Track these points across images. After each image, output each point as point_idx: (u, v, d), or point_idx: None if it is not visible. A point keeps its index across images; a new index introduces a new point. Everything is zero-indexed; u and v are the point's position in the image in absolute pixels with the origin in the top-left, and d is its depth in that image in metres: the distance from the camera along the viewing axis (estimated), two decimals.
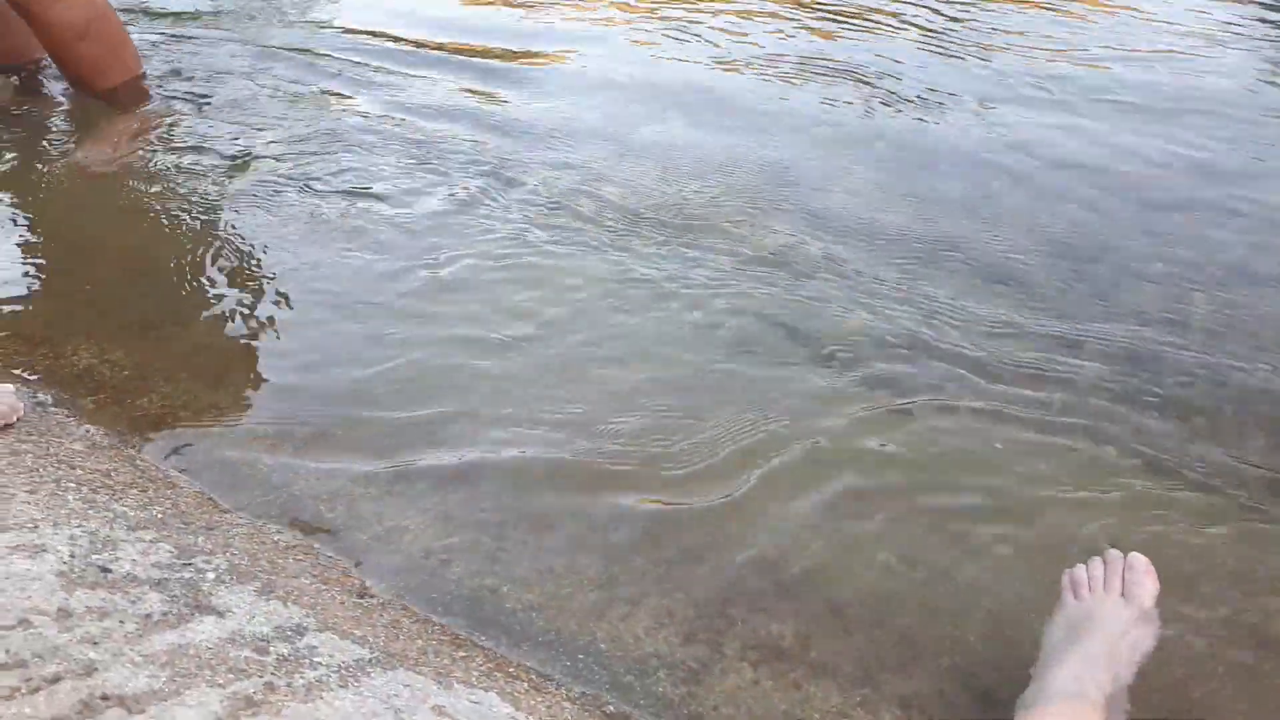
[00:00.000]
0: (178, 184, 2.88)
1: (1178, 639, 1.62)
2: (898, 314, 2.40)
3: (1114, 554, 1.62)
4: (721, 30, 4.18)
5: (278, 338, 2.28)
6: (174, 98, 3.41)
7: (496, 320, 2.37)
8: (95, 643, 1.28)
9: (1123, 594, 1.55)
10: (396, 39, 4.04)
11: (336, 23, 4.20)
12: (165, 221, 2.71)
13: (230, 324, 2.33)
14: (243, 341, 2.27)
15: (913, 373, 2.22)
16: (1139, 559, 1.58)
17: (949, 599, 1.72)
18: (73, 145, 3.09)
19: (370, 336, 2.29)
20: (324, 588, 1.60)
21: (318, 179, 2.93)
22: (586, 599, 1.69)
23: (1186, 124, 3.20)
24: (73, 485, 1.70)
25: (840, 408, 2.12)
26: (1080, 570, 1.62)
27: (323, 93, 3.52)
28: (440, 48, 3.97)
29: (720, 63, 3.85)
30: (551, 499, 1.88)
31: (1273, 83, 3.62)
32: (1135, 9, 4.36)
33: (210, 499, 1.82)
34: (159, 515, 1.68)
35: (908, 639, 1.65)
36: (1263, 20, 4.14)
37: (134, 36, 3.59)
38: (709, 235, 2.71)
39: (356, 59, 3.82)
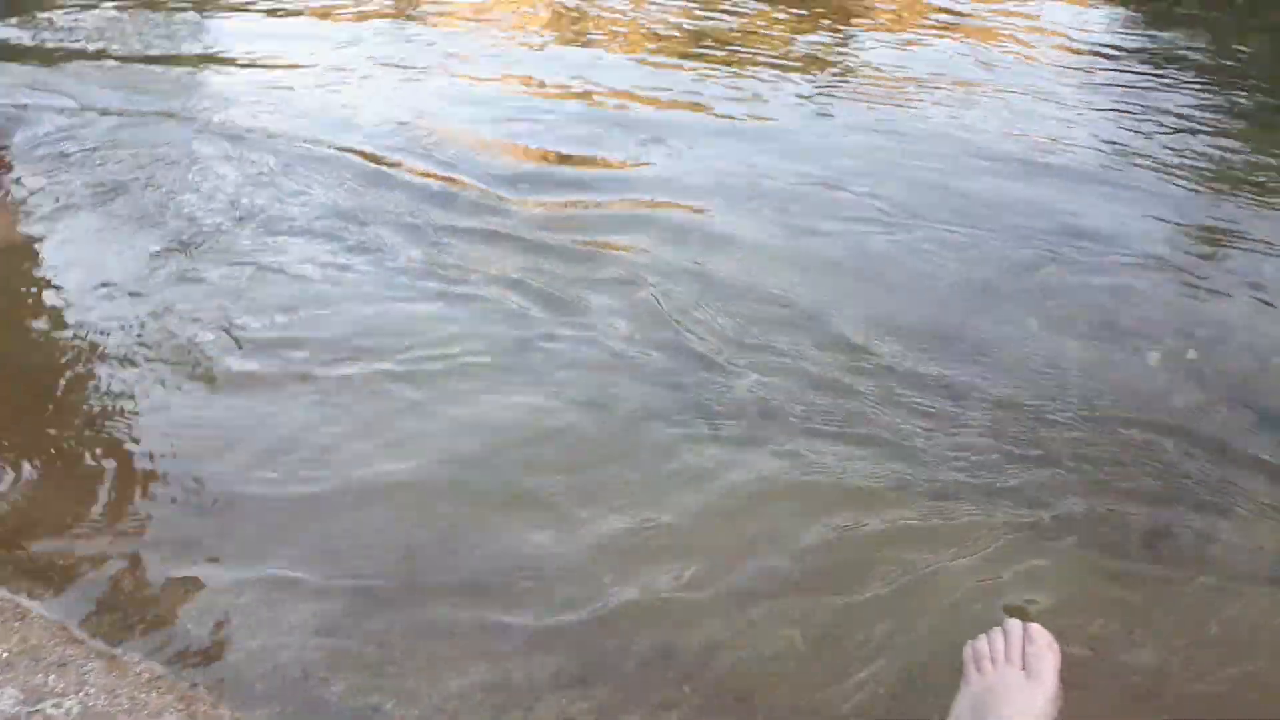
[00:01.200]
0: (45, 269, 2.71)
1: (1074, 709, 1.63)
2: (782, 381, 2.40)
3: (1014, 625, 1.59)
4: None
5: (140, 441, 2.15)
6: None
7: (371, 425, 2.27)
8: None
9: (1024, 667, 1.53)
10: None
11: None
12: (27, 310, 2.55)
13: (90, 425, 2.18)
14: (103, 444, 2.13)
15: (790, 444, 2.22)
16: (1039, 633, 1.55)
17: (850, 674, 1.70)
18: None
19: (243, 437, 2.17)
20: None
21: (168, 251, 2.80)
22: (477, 710, 1.61)
23: (1048, 181, 3.33)
24: None
25: (725, 481, 2.10)
26: (981, 643, 1.58)
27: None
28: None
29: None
30: (439, 605, 1.80)
31: (1135, 131, 3.79)
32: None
33: (64, 628, 1.68)
34: (3, 654, 1.54)
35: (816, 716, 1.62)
36: (1124, 74, 4.34)
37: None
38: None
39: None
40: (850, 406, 2.33)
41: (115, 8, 5.27)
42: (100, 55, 4.55)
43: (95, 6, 5.27)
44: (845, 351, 2.52)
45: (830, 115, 3.97)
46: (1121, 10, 4.86)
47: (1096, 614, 1.84)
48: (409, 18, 5.24)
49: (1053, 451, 2.22)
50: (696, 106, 4.04)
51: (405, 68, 4.50)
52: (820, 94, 4.17)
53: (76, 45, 4.71)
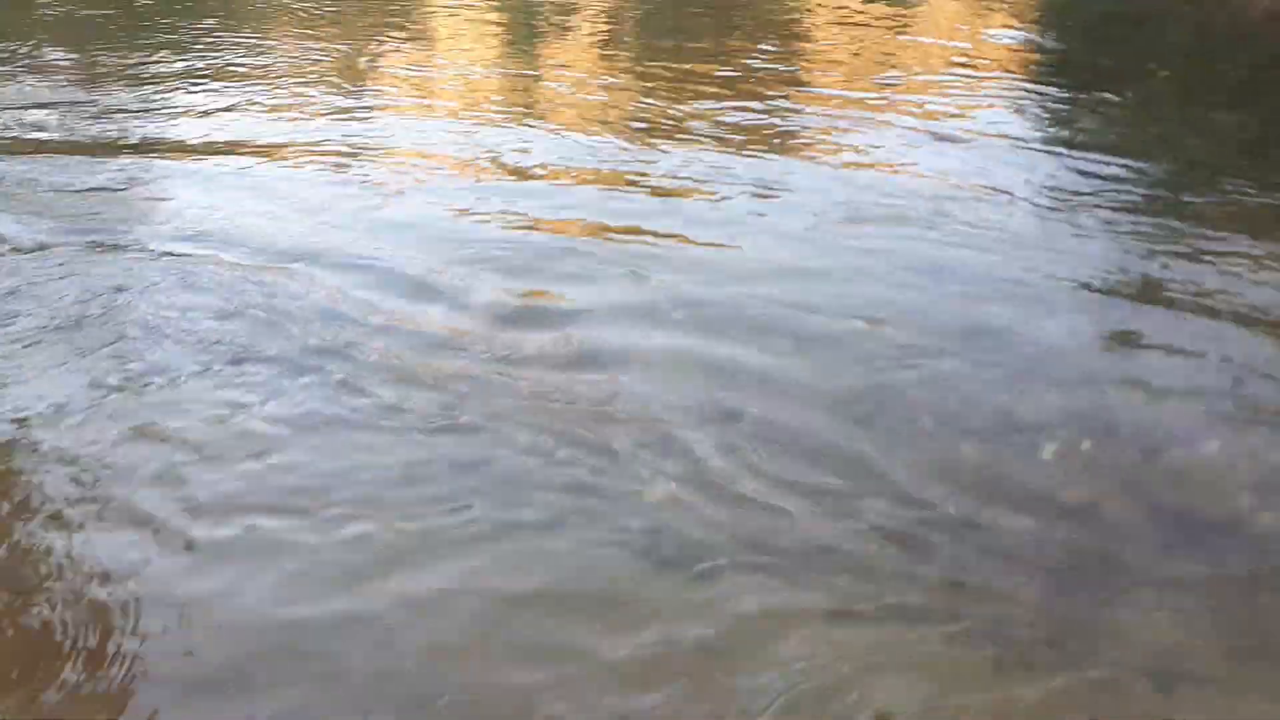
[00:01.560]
0: None
1: None
2: (685, 503, 2.40)
3: None
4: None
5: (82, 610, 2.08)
6: None
7: None
8: None
9: None
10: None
11: None
12: None
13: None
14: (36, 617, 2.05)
15: (685, 563, 2.21)
16: None
17: None
18: None
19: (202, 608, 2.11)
20: None
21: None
22: None
23: (951, 274, 3.39)
24: None
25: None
26: None
27: None
28: None
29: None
30: None
31: (1039, 223, 3.86)
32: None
33: None
34: None
35: None
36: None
37: None
38: None
39: None
40: (742, 515, 2.33)
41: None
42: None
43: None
44: (740, 454, 2.53)
45: (769, 226, 4.01)
46: (1043, 105, 4.99)
47: (988, 714, 1.83)
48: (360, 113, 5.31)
49: (944, 553, 2.23)
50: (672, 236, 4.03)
51: (364, 181, 4.47)
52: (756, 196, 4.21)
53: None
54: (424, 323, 3.16)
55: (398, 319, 3.17)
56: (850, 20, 6.41)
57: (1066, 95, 4.94)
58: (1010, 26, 6.10)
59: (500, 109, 5.37)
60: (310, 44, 6.62)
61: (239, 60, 6.24)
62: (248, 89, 5.68)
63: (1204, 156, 4.18)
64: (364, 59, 6.34)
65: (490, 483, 2.44)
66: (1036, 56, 5.62)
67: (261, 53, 6.42)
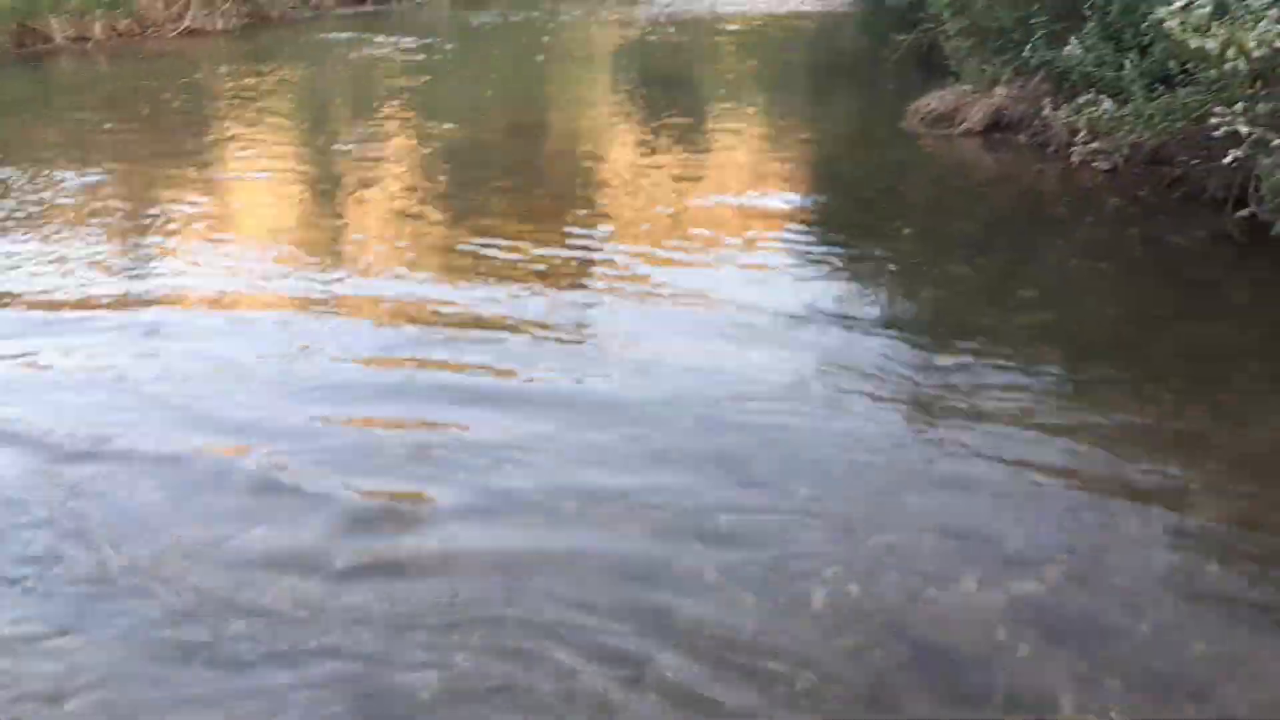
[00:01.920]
0: None
1: None
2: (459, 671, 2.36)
3: None
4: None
5: None
6: None
7: None
8: None
9: None
10: None
11: None
12: None
13: None
14: None
15: None
16: None
17: None
18: None
19: None
20: None
21: None
22: None
23: (726, 431, 3.53)
24: None
25: None
26: None
27: None
28: None
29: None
30: None
31: (810, 378, 4.06)
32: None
33: None
34: None
35: None
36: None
37: None
38: None
39: None
40: (524, 686, 2.35)
41: None
42: None
43: None
44: (528, 624, 2.56)
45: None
46: (813, 262, 5.29)
47: None
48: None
49: (724, 712, 2.26)
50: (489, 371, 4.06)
51: (165, 345, 4.38)
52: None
53: None
54: (226, 498, 3.15)
55: (196, 509, 3.11)
56: (645, 188, 6.74)
57: (832, 253, 5.33)
58: (782, 188, 6.61)
59: (308, 264, 5.37)
60: (97, 206, 6.46)
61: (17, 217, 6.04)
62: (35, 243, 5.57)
63: (946, 303, 4.57)
64: (155, 219, 6.23)
65: None
66: (807, 216, 6.07)
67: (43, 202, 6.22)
